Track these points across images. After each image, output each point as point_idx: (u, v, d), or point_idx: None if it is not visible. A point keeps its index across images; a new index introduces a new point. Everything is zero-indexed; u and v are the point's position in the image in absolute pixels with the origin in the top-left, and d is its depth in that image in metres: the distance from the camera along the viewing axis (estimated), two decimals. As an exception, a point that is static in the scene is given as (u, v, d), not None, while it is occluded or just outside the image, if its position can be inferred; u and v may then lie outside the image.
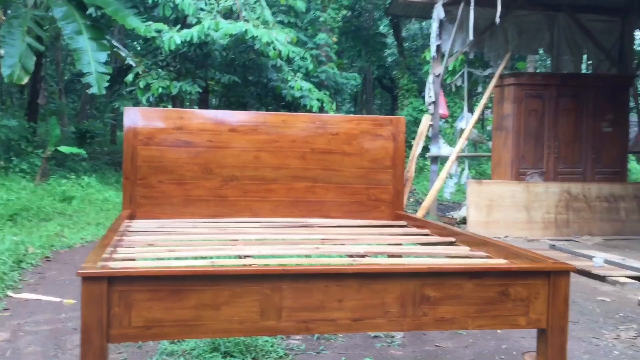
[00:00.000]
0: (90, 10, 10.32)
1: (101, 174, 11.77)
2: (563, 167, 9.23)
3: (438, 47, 9.48)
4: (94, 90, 9.88)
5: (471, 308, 2.41)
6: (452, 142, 12.08)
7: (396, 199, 4.41)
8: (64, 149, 11.05)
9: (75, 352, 3.44)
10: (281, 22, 12.83)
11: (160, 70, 10.52)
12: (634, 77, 10.09)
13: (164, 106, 11.27)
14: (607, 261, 6.41)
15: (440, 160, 10.21)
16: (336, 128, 4.35)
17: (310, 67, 12.74)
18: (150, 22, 10.22)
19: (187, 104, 14.99)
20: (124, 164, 4.00)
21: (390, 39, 22.09)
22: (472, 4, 8.34)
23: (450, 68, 13.82)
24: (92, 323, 2.10)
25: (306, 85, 11.78)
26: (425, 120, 9.07)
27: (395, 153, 4.42)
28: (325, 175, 4.32)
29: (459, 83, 11.11)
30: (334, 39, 14.61)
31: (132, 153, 4.03)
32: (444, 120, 15.38)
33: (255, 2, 11.36)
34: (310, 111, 11.22)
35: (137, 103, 10.79)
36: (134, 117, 4.05)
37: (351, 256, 3.02)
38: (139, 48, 11.83)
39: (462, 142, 9.21)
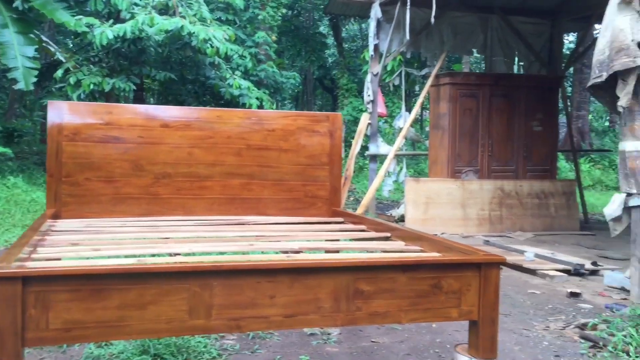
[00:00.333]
0: (17, 3, 9.84)
1: (29, 174, 11.27)
2: (496, 165, 9.48)
3: (376, 47, 9.56)
4: (20, 85, 9.42)
5: (404, 302, 2.40)
6: (391, 141, 12.22)
7: (333, 195, 4.39)
8: (-12, 148, 10.51)
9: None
10: (219, 20, 12.64)
11: (92, 66, 10.15)
12: (563, 78, 10.48)
13: (97, 104, 10.85)
14: (537, 255, 6.62)
15: (379, 159, 10.30)
16: (272, 124, 4.29)
17: (249, 65, 12.61)
18: (81, 17, 9.84)
19: (122, 101, 14.54)
20: (48, 161, 3.81)
21: (330, 40, 22.19)
22: (408, 4, 8.45)
23: (389, 68, 14.00)
24: (5, 326, 1.97)
25: (245, 83, 11.64)
26: (364, 119, 9.13)
27: (332, 150, 4.40)
28: (261, 172, 4.25)
29: (396, 82, 11.23)
30: (274, 37, 14.52)
31: (57, 149, 3.84)
32: (383, 120, 15.59)
33: (192, -2, 11.15)
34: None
35: (67, 100, 10.38)
36: (59, 112, 3.86)
37: (286, 252, 2.97)
38: (70, 45, 11.37)
39: (399, 141, 9.31)
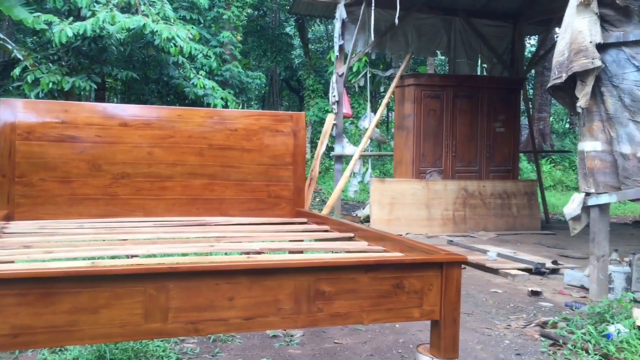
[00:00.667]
0: (-28, -2, 9.53)
1: (-15, 175, 10.91)
2: (460, 165, 9.57)
3: (341, 47, 9.56)
4: (-25, 84, 9.14)
5: (366, 302, 2.38)
6: (357, 142, 12.24)
7: (297, 196, 4.36)
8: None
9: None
10: (183, 19, 12.47)
11: (50, 64, 9.89)
12: (525, 80, 10.65)
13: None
14: (500, 255, 6.70)
15: (344, 159, 10.30)
16: (235, 123, 4.23)
17: (214, 65, 12.47)
18: (39, 14, 9.57)
19: (83, 101, 14.22)
20: (0, 161, 3.68)
21: (296, 41, 22.15)
22: (373, 5, 8.47)
23: (354, 69, 14.04)
24: (-51, 332, 1.88)
25: (209, 83, 11.51)
26: (330, 119, 9.09)
27: (296, 150, 4.36)
28: (223, 172, 4.19)
29: (361, 83, 11.27)
30: (239, 37, 14.40)
31: (10, 149, 3.71)
32: (350, 121, 15.62)
33: (155, -4, 10.96)
34: (213, 110, 10.92)
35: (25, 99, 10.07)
36: (12, 110, 3.73)
37: (247, 253, 2.92)
38: (30, 43, 11.04)
39: (364, 141, 9.32)
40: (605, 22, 4.67)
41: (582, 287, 5.37)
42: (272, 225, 3.99)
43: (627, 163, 4.58)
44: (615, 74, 4.60)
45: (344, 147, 10.03)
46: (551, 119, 23.24)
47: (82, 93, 10.16)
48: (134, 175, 3.97)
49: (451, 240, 8.03)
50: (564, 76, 4.69)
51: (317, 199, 12.84)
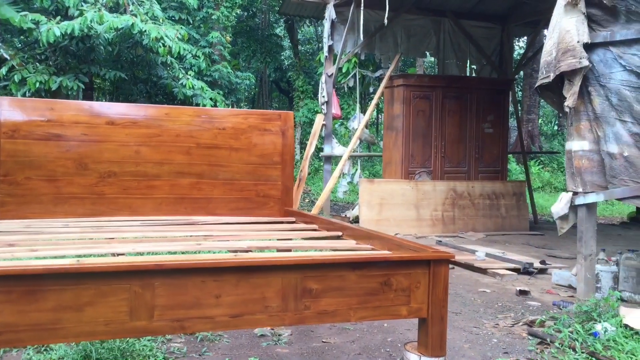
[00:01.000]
0: (-43, -3, 9.44)
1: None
2: (449, 166, 9.60)
3: (330, 48, 9.56)
4: (-39, 83, 9.05)
5: (354, 300, 2.38)
6: (346, 144, 12.24)
7: (285, 195, 4.34)
8: None
9: None
10: (172, 19, 12.42)
11: (38, 64, 9.80)
12: (513, 81, 10.70)
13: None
14: (488, 255, 6.72)
15: (333, 160, 10.30)
16: (223, 122, 4.21)
17: (203, 65, 12.42)
18: (27, 13, 9.49)
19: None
20: (-15, 159, 3.63)
21: (286, 42, 22.13)
22: (362, 6, 8.47)
23: (343, 70, 14.05)
24: None
25: (198, 84, 11.46)
26: (319, 120, 9.10)
27: (285, 149, 4.35)
28: (211, 171, 4.17)
29: (351, 84, 11.27)
30: (228, 38, 14.36)
31: (-5, 147, 3.67)
32: (339, 122, 15.62)
33: (143, -4, 10.91)
34: (202, 110, 10.88)
35: (12, 99, 9.97)
36: (-3, 108, 3.69)
37: (235, 251, 2.90)
38: (18, 44, 10.94)
39: (354, 142, 9.33)
40: (592, 22, 4.70)
41: (570, 287, 5.39)
42: (261, 224, 3.98)
43: (614, 162, 4.61)
44: (603, 74, 4.63)
45: (333, 148, 10.03)
46: (540, 121, 23.38)
47: (69, 93, 10.08)
48: (121, 174, 3.95)
49: (440, 241, 8.05)
50: (552, 76, 4.71)
51: (307, 200, 12.82)
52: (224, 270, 2.19)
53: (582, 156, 4.79)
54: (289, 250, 3.31)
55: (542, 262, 6.39)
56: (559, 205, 4.90)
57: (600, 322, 3.90)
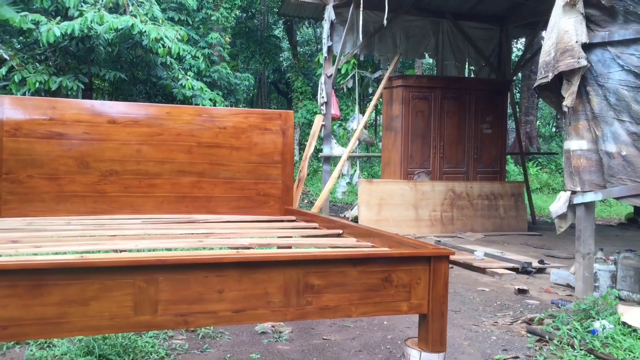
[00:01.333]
0: (-43, -3, 9.45)
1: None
2: (448, 166, 9.63)
3: (329, 48, 9.58)
4: (-39, 83, 9.07)
5: (355, 295, 2.40)
6: (345, 144, 12.27)
7: (285, 194, 4.37)
8: None
9: None
10: (171, 19, 12.45)
11: (37, 64, 9.82)
12: (512, 83, 10.75)
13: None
14: (487, 254, 6.75)
15: (332, 160, 10.32)
16: (224, 121, 4.24)
17: (202, 66, 12.45)
18: (27, 13, 9.51)
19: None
20: (-13, 157, 3.65)
21: (285, 44, 22.17)
22: (362, 7, 8.50)
23: (342, 71, 14.08)
24: (-63, 324, 1.87)
25: (198, 84, 11.49)
26: (318, 120, 9.12)
27: (285, 148, 4.37)
28: (212, 170, 4.19)
29: (350, 85, 11.30)
30: (227, 39, 14.39)
31: (-3, 145, 3.69)
32: (337, 123, 15.65)
33: (143, -3, 10.94)
34: (202, 111, 10.91)
35: (12, 99, 9.98)
36: (0, 106, 3.71)
37: (236, 249, 2.92)
38: (17, 44, 10.96)
39: (353, 142, 9.35)
40: (590, 22, 4.73)
41: (568, 286, 5.42)
42: (261, 222, 4.00)
43: (612, 161, 4.64)
44: (601, 74, 4.66)
45: (333, 148, 10.05)
46: (538, 122, 23.45)
47: (69, 93, 10.09)
48: (122, 173, 3.97)
49: (439, 241, 8.07)
50: (550, 75, 4.74)
51: (305, 201, 12.84)
52: (226, 265, 2.22)
53: (581, 155, 4.82)
54: (290, 247, 3.33)
55: (541, 262, 6.42)
56: (558, 204, 4.93)
57: (598, 319, 3.93)
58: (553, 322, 4.10)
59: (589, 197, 4.83)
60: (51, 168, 3.78)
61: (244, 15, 19.23)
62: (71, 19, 9.83)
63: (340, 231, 3.43)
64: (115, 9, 10.56)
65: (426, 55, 11.13)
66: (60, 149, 3.80)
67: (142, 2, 10.84)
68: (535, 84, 4.99)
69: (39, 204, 3.78)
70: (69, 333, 2.06)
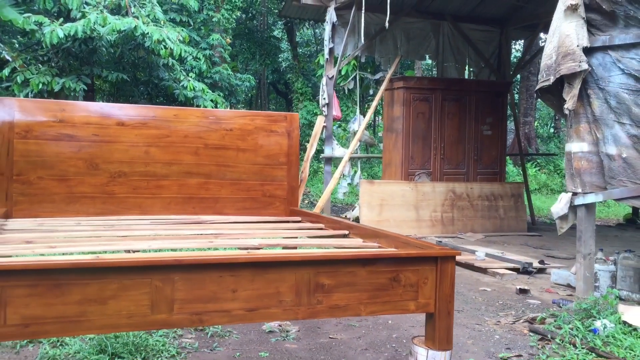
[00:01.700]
0: (-40, -2, 9.49)
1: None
2: (448, 167, 9.70)
3: (331, 50, 9.65)
4: (-36, 84, 9.11)
5: (364, 295, 2.46)
6: (345, 145, 12.33)
7: (291, 195, 4.43)
8: None
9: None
10: (173, 21, 12.50)
11: (40, 65, 9.87)
12: (511, 84, 10.82)
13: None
14: (488, 255, 6.81)
15: (333, 161, 10.38)
16: (230, 124, 4.30)
17: (204, 67, 12.51)
18: (30, 15, 9.56)
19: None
20: (-2, 159, 3.71)
21: (284, 44, 22.23)
22: (363, 9, 8.57)
23: (342, 72, 14.14)
24: (-40, 322, 1.92)
25: (199, 85, 11.54)
26: (320, 122, 9.16)
27: (290, 149, 4.44)
28: (219, 172, 4.25)
29: (350, 86, 11.36)
30: (228, 40, 14.45)
31: (8, 147, 3.75)
32: (337, 124, 15.71)
33: (145, -1, 11.00)
34: (203, 112, 10.96)
35: (14, 100, 10.02)
36: (10, 108, 3.77)
37: (246, 249, 2.98)
38: (16, 44, 11.00)
39: (354, 143, 9.41)
40: (591, 27, 4.80)
41: (569, 286, 5.49)
42: (267, 223, 4.06)
43: (613, 163, 4.71)
44: (602, 77, 4.73)
45: (334, 149, 10.11)
46: (536, 123, 23.53)
47: (71, 94, 10.15)
48: (131, 174, 4.03)
49: (440, 241, 8.13)
50: (552, 79, 4.81)
51: (306, 201, 12.90)
52: (240, 265, 2.27)
53: (582, 157, 4.89)
54: (296, 248, 3.39)
55: (541, 262, 6.49)
56: (559, 206, 4.99)
57: (599, 319, 4.00)
58: (555, 321, 4.17)
59: (589, 199, 4.90)
60: (61, 169, 3.84)
61: (244, 16, 19.28)
62: (73, 20, 9.88)
63: (347, 232, 3.49)
64: (117, 10, 10.61)
65: (426, 56, 11.19)
66: (69, 151, 3.86)
67: (144, 4, 10.90)
68: (537, 87, 5.05)
69: (49, 205, 3.84)
70: (88, 331, 2.12)
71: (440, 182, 9.46)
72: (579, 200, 4.93)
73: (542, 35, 11.89)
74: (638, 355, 3.44)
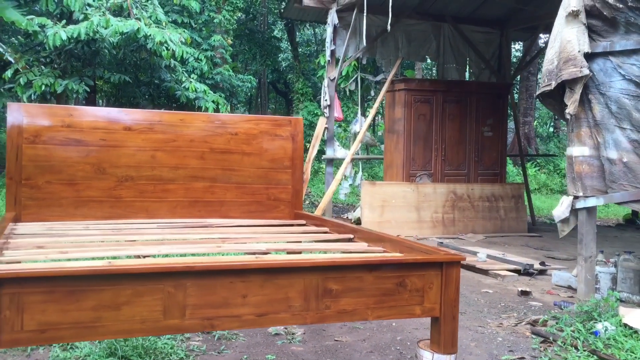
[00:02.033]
0: (-37, 0, 9.53)
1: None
2: (449, 169, 9.75)
3: (332, 52, 9.70)
4: (-33, 86, 9.15)
5: (371, 300, 2.50)
6: (346, 146, 12.37)
7: (295, 198, 4.48)
8: None
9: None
10: (174, 22, 12.55)
11: (43, 67, 9.92)
12: (512, 86, 10.87)
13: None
14: (489, 256, 6.86)
15: (335, 162, 10.43)
16: (235, 128, 4.34)
17: (205, 68, 12.56)
18: (33, 17, 9.61)
19: (72, 103, 14.20)
20: (7, 164, 3.77)
21: (284, 44, 22.26)
22: (365, 11, 8.62)
23: (343, 73, 14.18)
24: (-20, 328, 1.97)
25: (201, 86, 11.59)
26: (321, 123, 9.23)
27: (294, 153, 4.49)
28: (224, 175, 4.30)
29: (352, 88, 11.41)
30: (229, 41, 14.49)
31: (17, 152, 3.80)
32: (337, 124, 15.75)
33: (146, 1, 11.04)
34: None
35: (17, 101, 10.10)
36: (19, 114, 3.82)
37: (254, 254, 3.03)
38: (17, 45, 11.04)
39: (356, 144, 9.47)
40: (592, 32, 4.85)
41: (569, 288, 5.54)
42: (272, 227, 4.10)
43: (614, 167, 4.76)
44: (603, 82, 4.78)
45: (335, 151, 10.16)
46: (535, 123, 23.58)
47: (73, 96, 10.19)
48: (138, 178, 4.07)
49: (441, 242, 8.19)
50: (554, 84, 4.86)
51: (307, 202, 12.95)
52: (250, 271, 2.32)
53: (583, 161, 4.94)
54: (301, 253, 3.44)
55: (542, 264, 6.54)
56: (560, 209, 5.05)
57: (600, 321, 4.05)
58: (556, 323, 4.22)
59: (590, 202, 4.95)
60: (69, 174, 3.88)
61: (245, 16, 19.32)
62: (75, 22, 9.93)
63: (351, 236, 3.53)
64: (119, 12, 10.65)
65: (427, 58, 11.24)
66: (77, 155, 3.90)
67: (146, 5, 10.94)
68: (539, 92, 5.10)
69: (57, 209, 3.88)
70: (103, 336, 2.16)
71: (441, 183, 9.52)
72: (580, 204, 4.98)
73: (542, 36, 11.93)
74: (638, 358, 3.49)
